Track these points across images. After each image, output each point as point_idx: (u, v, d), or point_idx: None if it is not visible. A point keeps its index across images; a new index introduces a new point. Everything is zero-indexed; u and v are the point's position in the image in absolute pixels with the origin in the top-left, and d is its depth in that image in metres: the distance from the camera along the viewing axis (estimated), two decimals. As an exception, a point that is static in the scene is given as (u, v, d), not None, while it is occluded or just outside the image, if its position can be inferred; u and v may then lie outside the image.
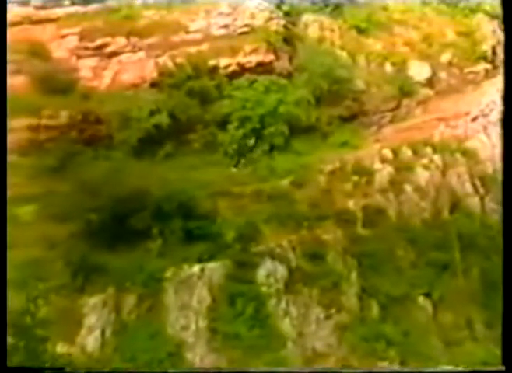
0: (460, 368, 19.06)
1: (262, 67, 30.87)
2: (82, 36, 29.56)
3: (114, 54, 29.71)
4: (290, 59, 32.68)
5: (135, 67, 29.57)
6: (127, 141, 27.42)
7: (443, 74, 36.26)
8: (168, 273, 22.93)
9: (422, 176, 30.24)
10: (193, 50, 30.07)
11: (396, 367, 22.57)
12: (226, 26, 31.19)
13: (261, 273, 24.14)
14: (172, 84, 29.08)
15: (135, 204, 23.11)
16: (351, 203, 27.94)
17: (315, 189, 28.12)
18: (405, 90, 34.42)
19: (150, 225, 23.51)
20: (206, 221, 24.53)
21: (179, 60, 29.59)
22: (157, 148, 28.09)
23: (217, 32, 31.08)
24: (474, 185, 30.66)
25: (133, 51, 29.87)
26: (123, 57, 29.73)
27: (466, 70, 36.54)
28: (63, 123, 26.94)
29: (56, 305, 20.43)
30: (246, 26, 31.41)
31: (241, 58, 30.51)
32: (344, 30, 35.69)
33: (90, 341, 21.14)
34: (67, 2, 31.36)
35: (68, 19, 30.02)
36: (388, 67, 35.20)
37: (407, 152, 31.09)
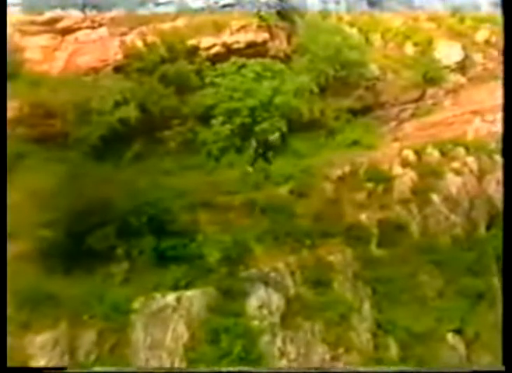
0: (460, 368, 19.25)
1: (253, 49, 31.06)
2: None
3: (69, 30, 29.76)
4: (288, 38, 32.91)
5: (94, 48, 29.65)
6: (86, 139, 27.45)
7: (478, 57, 36.62)
8: (136, 304, 22.89)
9: (452, 182, 30.49)
10: (166, 26, 30.25)
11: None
12: (205, -4, 31.45)
13: (252, 304, 24.18)
14: (141, 68, 29.19)
15: (96, 218, 23.13)
16: (364, 217, 28.15)
17: (319, 199, 28.28)
18: (431, 76, 34.75)
19: (114, 244, 23.56)
20: (184, 239, 24.55)
21: (150, 38, 29.77)
22: (123, 148, 28.21)
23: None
24: (517, 194, 30.90)
25: (92, 27, 29.95)
26: (79, 34, 29.80)
27: (507, 51, 36.88)
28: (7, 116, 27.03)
29: (-5, 344, 20.50)
30: (230, -5, 31.68)
31: (227, 37, 30.71)
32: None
33: (38, 390, 21.18)
34: (1, -37, 31.44)
35: (6, -15, 30.14)
36: (409, 48, 35.54)
37: (433, 153, 31.36)
